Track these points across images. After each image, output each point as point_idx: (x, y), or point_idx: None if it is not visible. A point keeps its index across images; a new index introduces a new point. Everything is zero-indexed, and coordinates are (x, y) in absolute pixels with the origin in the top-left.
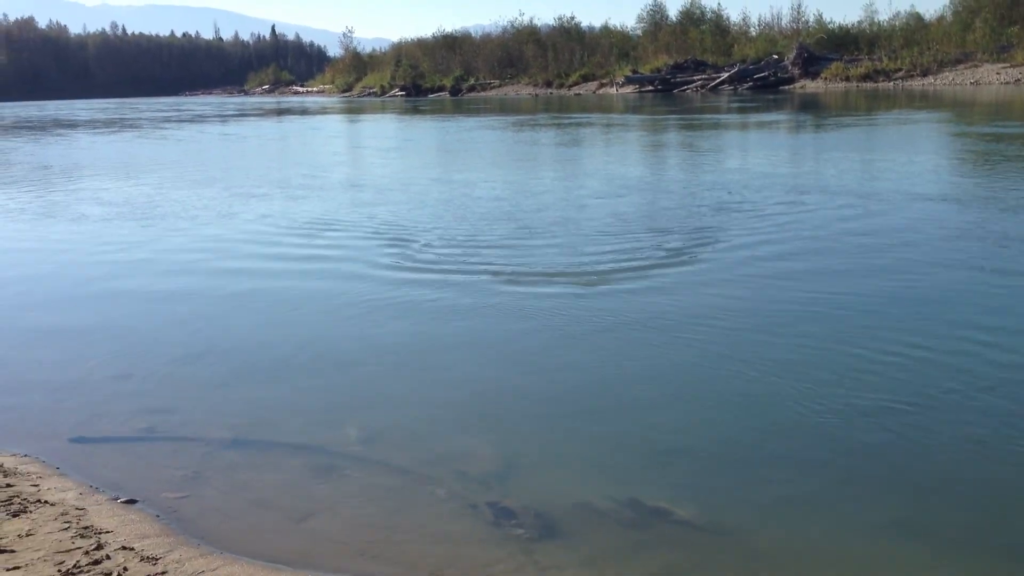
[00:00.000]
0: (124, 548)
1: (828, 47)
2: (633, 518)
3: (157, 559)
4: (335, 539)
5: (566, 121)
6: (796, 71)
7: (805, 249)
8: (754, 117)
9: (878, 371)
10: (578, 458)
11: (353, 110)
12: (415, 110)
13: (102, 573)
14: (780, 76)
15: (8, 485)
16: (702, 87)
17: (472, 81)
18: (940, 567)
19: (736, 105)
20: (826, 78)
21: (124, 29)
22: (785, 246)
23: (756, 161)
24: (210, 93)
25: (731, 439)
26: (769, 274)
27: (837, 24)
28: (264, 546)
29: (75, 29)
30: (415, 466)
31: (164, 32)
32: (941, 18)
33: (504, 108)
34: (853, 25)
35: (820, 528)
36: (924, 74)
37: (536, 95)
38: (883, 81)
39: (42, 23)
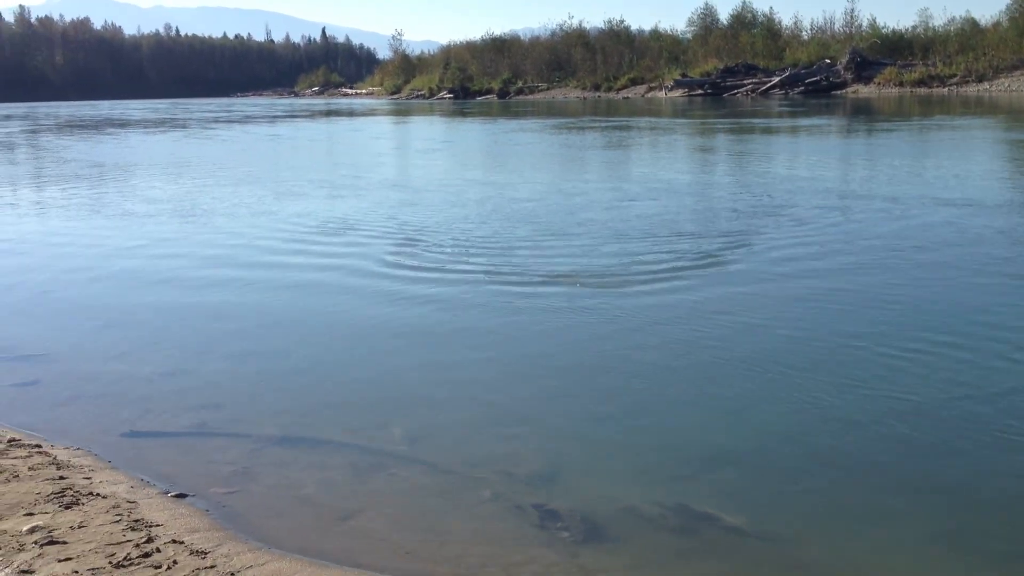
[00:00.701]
0: (174, 541)
1: (881, 52)
2: (679, 523)
3: (206, 553)
4: (380, 537)
5: (613, 124)
6: (848, 76)
7: (850, 254)
8: (805, 122)
9: (930, 376)
10: (624, 461)
11: (400, 112)
12: (462, 112)
13: (152, 566)
14: (832, 81)
15: (62, 477)
16: (752, 91)
17: (520, 84)
18: None
19: (787, 110)
20: (879, 83)
21: (177, 31)
22: (830, 251)
23: (804, 167)
24: (261, 94)
25: (779, 444)
26: (815, 279)
27: (891, 29)
28: (310, 543)
29: (129, 30)
30: (460, 466)
31: (216, 34)
32: (997, 23)
33: (551, 111)
34: (907, 30)
35: (869, 538)
36: (979, 80)
37: (584, 98)
38: (937, 87)
39: (97, 24)
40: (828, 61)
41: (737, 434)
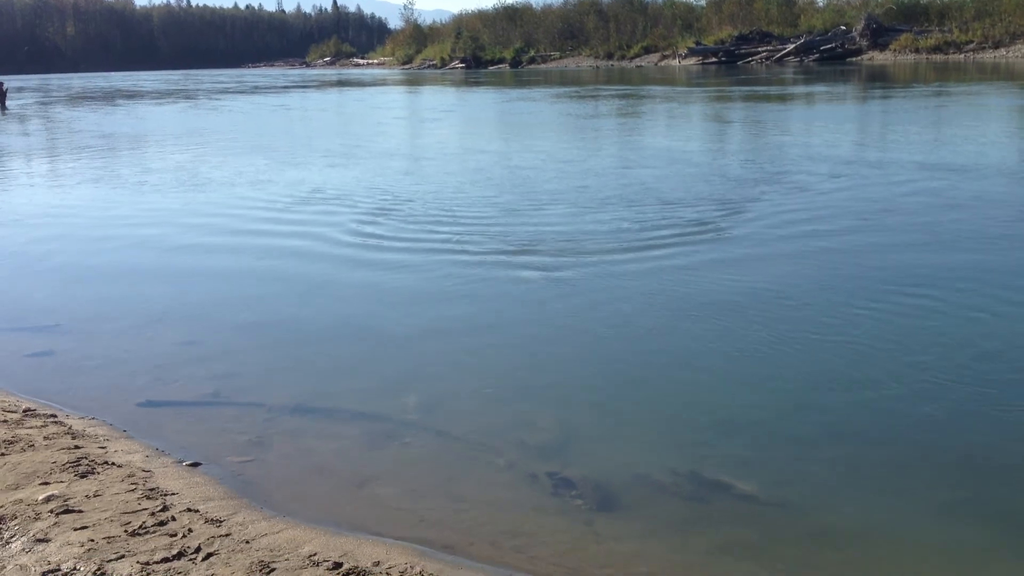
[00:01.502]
0: (189, 510)
1: (897, 18)
2: (693, 491)
3: (221, 521)
4: (395, 506)
5: (623, 93)
6: (864, 42)
7: (867, 222)
8: (819, 88)
9: (948, 345)
10: (638, 429)
11: (410, 82)
12: (473, 82)
13: (167, 534)
14: (848, 48)
15: (77, 447)
16: (767, 59)
17: (532, 53)
18: (1008, 550)
19: (802, 77)
20: (895, 50)
21: (188, 1)
22: (845, 217)
23: (817, 134)
24: (272, 65)
25: (793, 412)
26: (828, 245)
27: None
28: (325, 511)
29: (140, 1)
30: (474, 435)
31: (227, 4)
32: None
33: (563, 80)
34: None
35: (885, 506)
36: (996, 46)
37: (597, 67)
38: (953, 53)
39: None
40: (843, 28)
41: (751, 402)
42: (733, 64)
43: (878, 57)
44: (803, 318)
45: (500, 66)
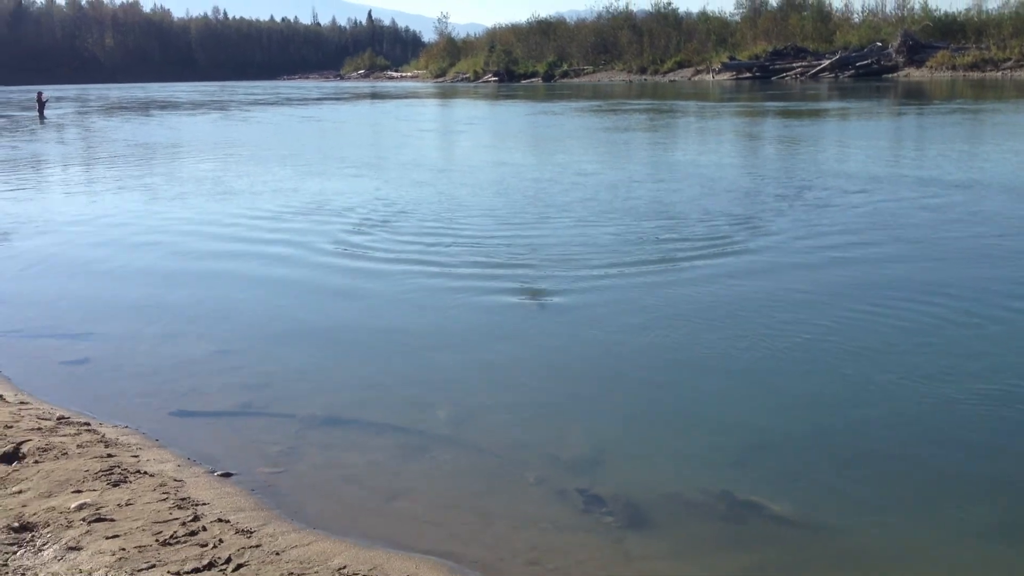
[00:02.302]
0: (220, 520)
1: (934, 35)
2: (725, 511)
3: (251, 532)
4: (425, 520)
5: (655, 108)
6: (900, 59)
7: (902, 239)
8: (855, 105)
9: (989, 366)
10: (669, 447)
11: (443, 95)
12: (505, 95)
13: (198, 544)
14: (883, 64)
15: (109, 455)
16: (802, 74)
17: (565, 67)
18: None
19: (836, 93)
20: (931, 67)
21: (225, 13)
22: (881, 236)
23: (854, 151)
24: (307, 77)
25: (826, 433)
26: (862, 264)
27: (943, 12)
28: (355, 524)
29: (178, 13)
30: (504, 450)
31: (264, 17)
32: None
33: (596, 94)
34: (960, 13)
35: (919, 528)
36: None
37: (630, 81)
38: (991, 71)
39: (146, 7)
40: (879, 44)
41: (783, 420)
42: (767, 79)
43: (914, 74)
44: (837, 337)
45: (533, 80)
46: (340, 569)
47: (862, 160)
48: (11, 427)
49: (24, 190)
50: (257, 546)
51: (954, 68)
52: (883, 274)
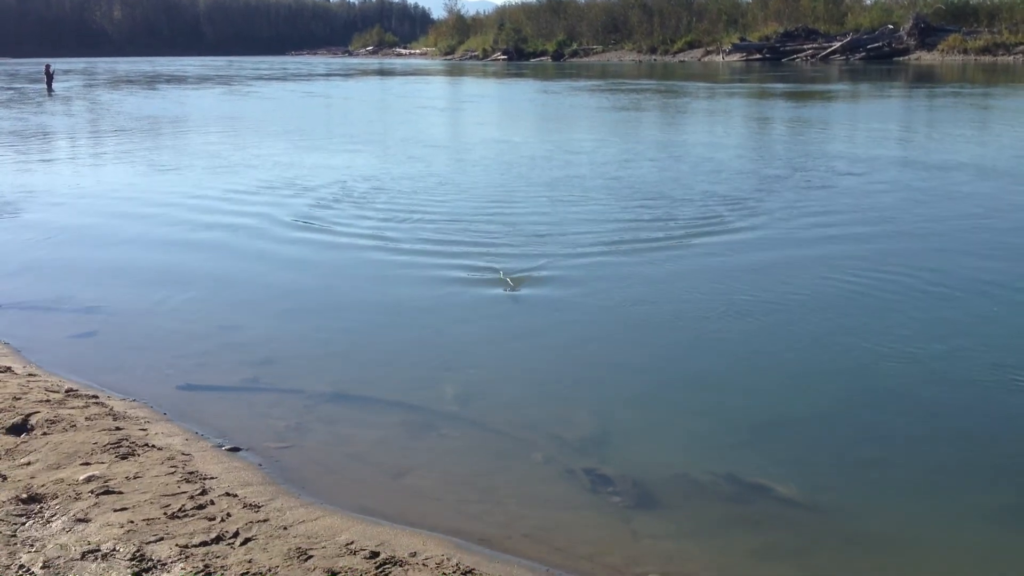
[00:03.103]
0: (228, 494)
1: (946, 18)
2: (732, 492)
3: (259, 507)
4: (432, 496)
5: (662, 88)
6: (911, 42)
7: (909, 223)
8: (864, 88)
9: (995, 350)
10: (676, 428)
11: (449, 73)
12: (513, 74)
13: (206, 518)
14: (895, 47)
15: (118, 428)
16: (812, 57)
17: (575, 46)
18: None
19: (847, 76)
20: (942, 50)
21: None
22: (887, 219)
23: (863, 135)
24: (315, 53)
25: (833, 414)
26: (870, 247)
27: None
28: (362, 499)
29: None
30: (511, 428)
31: None
32: None
33: (605, 73)
34: None
35: (926, 511)
36: None
37: (639, 61)
38: (1003, 55)
39: None
40: (891, 27)
41: (790, 402)
42: (777, 61)
43: (925, 57)
44: (844, 318)
45: (542, 59)
46: (347, 544)
47: (867, 142)
48: (20, 399)
49: (32, 162)
50: (265, 520)
51: (965, 52)
52: (890, 254)
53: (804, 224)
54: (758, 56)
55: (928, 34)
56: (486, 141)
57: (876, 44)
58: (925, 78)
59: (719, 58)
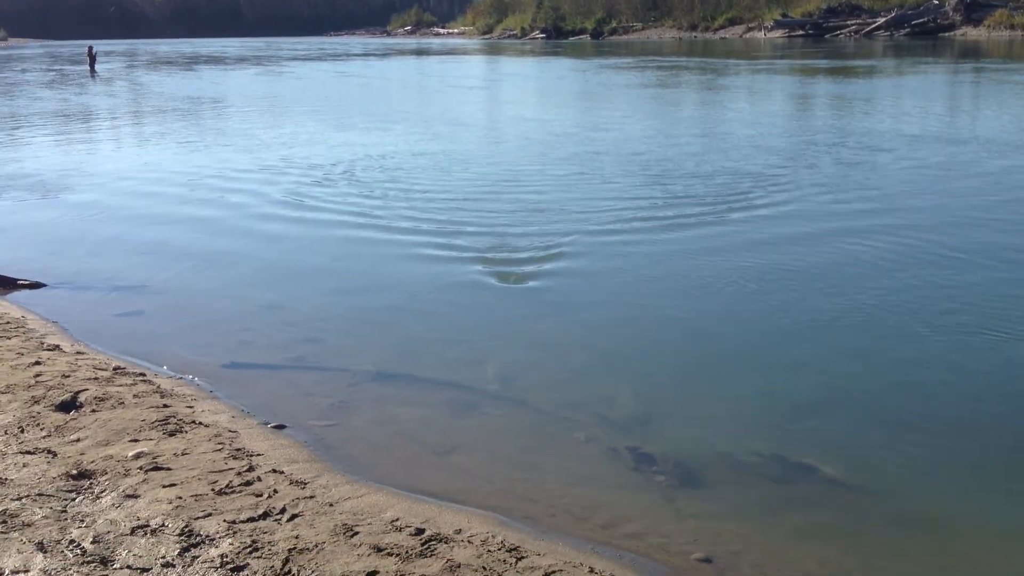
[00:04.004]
0: (274, 471)
1: None
2: (777, 472)
3: (305, 483)
4: (476, 475)
5: (704, 66)
6: (957, 17)
7: (954, 200)
8: (907, 65)
9: None
10: (720, 407)
11: (486, 52)
12: (550, 52)
13: (253, 494)
14: (939, 22)
15: (165, 405)
16: (856, 33)
17: (614, 24)
18: None
19: (891, 51)
20: (989, 26)
21: None
22: (932, 196)
23: (902, 112)
24: (353, 34)
25: (880, 394)
26: (920, 222)
27: None
28: (407, 477)
29: None
30: (554, 407)
31: None
32: None
33: (645, 51)
34: None
35: (976, 493)
36: None
37: (680, 39)
38: None
39: None
40: (936, 2)
41: (835, 381)
42: (820, 37)
43: (971, 33)
44: (892, 294)
45: (581, 37)
46: (393, 521)
47: (906, 120)
48: (68, 376)
49: (76, 142)
50: (311, 497)
51: (1012, 27)
52: (944, 231)
53: (844, 199)
54: (801, 32)
55: (974, 9)
56: (523, 120)
57: (921, 20)
58: (971, 54)
59: (761, 35)
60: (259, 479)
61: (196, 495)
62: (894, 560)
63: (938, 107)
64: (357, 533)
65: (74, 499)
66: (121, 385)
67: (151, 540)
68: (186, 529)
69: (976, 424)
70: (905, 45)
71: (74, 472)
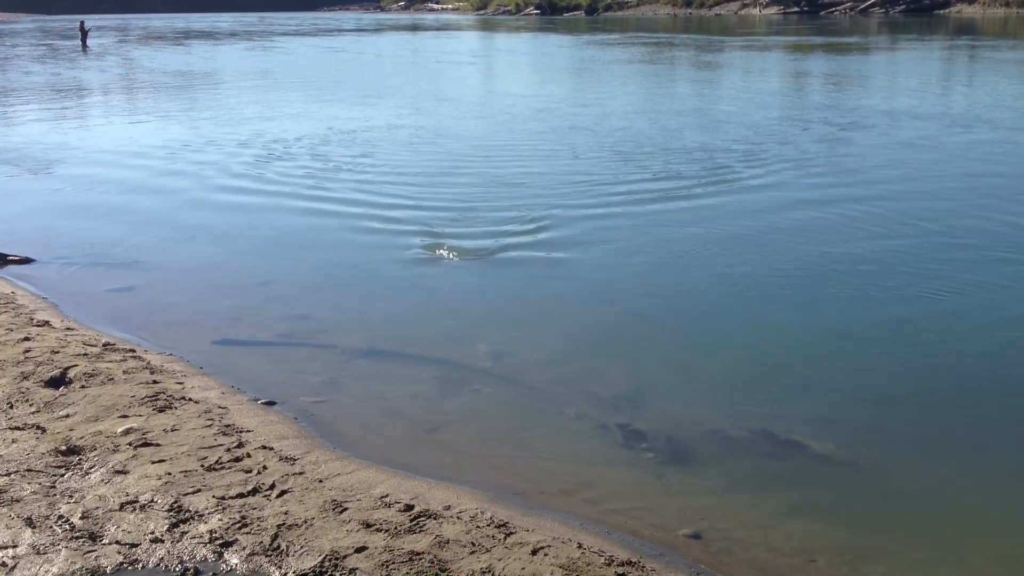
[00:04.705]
0: (264, 447)
1: None
2: (766, 448)
3: (295, 459)
4: (466, 451)
5: (692, 43)
6: None
7: (945, 178)
8: (902, 43)
9: None
10: (708, 384)
11: (479, 28)
12: (542, 29)
13: (243, 470)
14: (934, 0)
15: (155, 382)
16: (851, 9)
17: (609, 0)
18: None
19: (886, 29)
20: (984, 3)
21: None
22: (922, 174)
23: (893, 90)
24: (347, 9)
25: (869, 371)
26: (907, 201)
27: None
28: (397, 454)
29: None
30: (544, 384)
31: None
32: None
33: (639, 27)
34: None
35: (964, 470)
36: None
37: (674, 15)
38: None
39: None
40: None
41: (825, 358)
42: (815, 14)
43: (966, 10)
44: (880, 273)
45: (575, 13)
46: (382, 497)
47: (896, 97)
48: (58, 352)
49: (67, 118)
50: (300, 473)
51: (1007, 5)
52: (929, 208)
53: (834, 179)
54: (795, 9)
55: None
56: (514, 96)
57: None
58: (964, 31)
59: (756, 11)
60: (248, 455)
61: (185, 471)
62: (882, 535)
63: (920, 84)
64: (346, 509)
65: (63, 475)
66: (111, 361)
67: (140, 516)
68: (175, 505)
69: (963, 401)
70: (900, 22)
71: (63, 448)
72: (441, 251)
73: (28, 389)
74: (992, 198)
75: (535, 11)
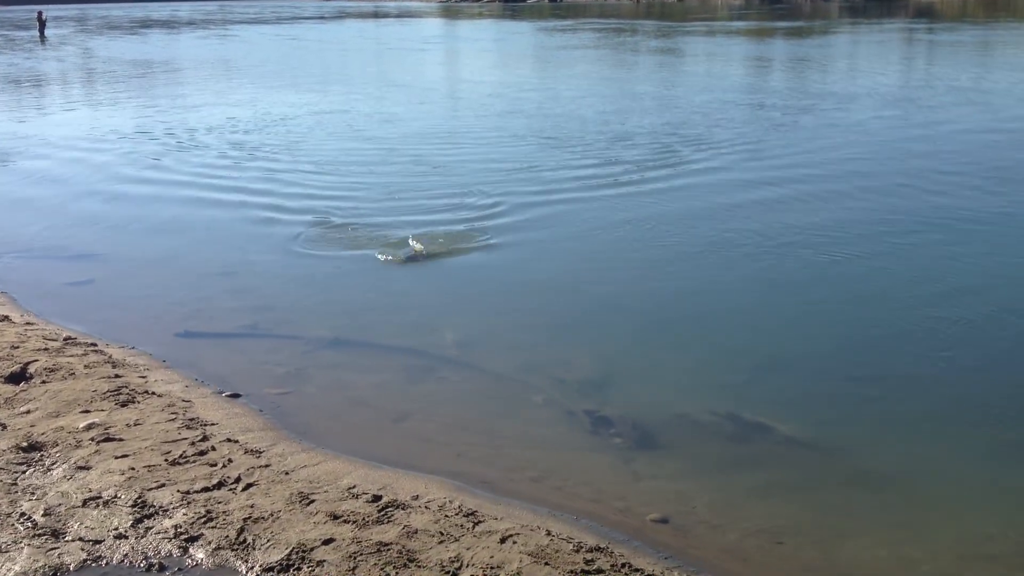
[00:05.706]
0: (229, 440)
1: None
2: (733, 432)
3: (260, 452)
4: (433, 440)
5: (653, 28)
6: None
7: (905, 159)
8: (864, 27)
9: (997, 289)
10: (675, 368)
11: (441, 15)
12: (505, 16)
13: (208, 464)
14: None
15: (117, 376)
16: None
17: None
18: None
19: (847, 13)
20: None
21: None
22: (882, 155)
23: (851, 74)
24: None
25: (834, 353)
26: (867, 182)
27: None
28: (363, 444)
29: None
30: (511, 372)
31: None
32: None
33: (602, 14)
34: None
35: (927, 449)
36: None
37: (637, 2)
38: None
39: None
40: None
41: (789, 342)
42: (777, 1)
43: None
44: (842, 257)
45: (540, 0)
46: (350, 488)
47: (855, 80)
48: (18, 347)
49: (24, 108)
50: (266, 466)
51: None
52: (888, 191)
53: (796, 161)
54: None
55: None
56: (461, 82)
57: None
58: (924, 15)
59: None
60: (213, 448)
61: (149, 466)
62: (848, 515)
63: (872, 66)
64: (313, 501)
65: (24, 472)
66: (72, 355)
67: (103, 512)
68: (139, 500)
69: (928, 382)
70: (860, 7)
71: (24, 444)
72: (402, 241)
73: None
74: (949, 175)
75: None
